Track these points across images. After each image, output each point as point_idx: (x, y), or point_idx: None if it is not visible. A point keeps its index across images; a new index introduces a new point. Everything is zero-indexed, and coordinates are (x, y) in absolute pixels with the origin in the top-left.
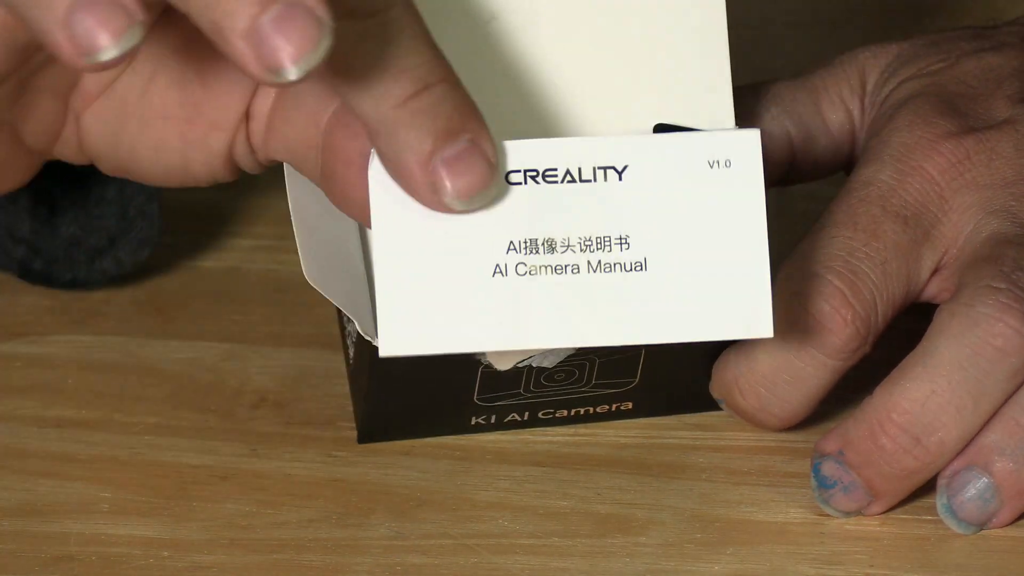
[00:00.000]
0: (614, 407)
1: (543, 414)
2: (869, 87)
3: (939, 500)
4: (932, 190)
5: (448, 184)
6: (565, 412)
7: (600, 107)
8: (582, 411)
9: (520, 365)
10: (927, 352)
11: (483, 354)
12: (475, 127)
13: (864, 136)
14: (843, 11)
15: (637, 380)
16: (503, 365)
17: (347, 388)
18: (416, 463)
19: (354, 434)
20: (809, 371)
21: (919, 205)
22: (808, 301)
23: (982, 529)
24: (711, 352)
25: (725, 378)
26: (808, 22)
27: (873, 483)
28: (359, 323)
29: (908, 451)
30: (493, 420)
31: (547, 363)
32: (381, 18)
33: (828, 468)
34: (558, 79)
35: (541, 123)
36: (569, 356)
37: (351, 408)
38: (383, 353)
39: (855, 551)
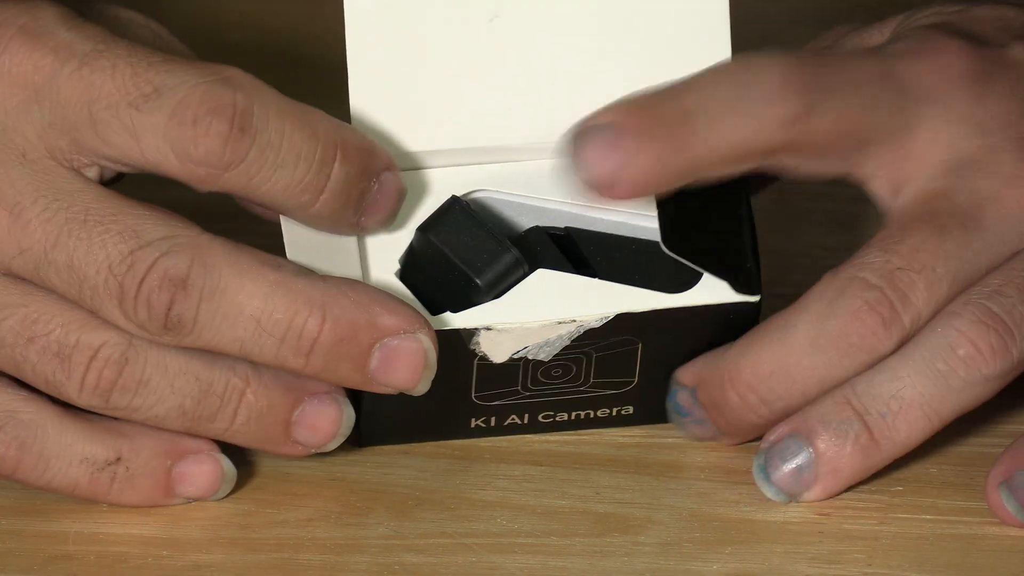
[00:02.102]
0: (615, 411)
1: (543, 417)
2: None
3: (756, 461)
4: (932, 80)
5: (369, 221)
6: (566, 416)
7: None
8: (583, 415)
9: (515, 356)
10: (787, 325)
11: (478, 342)
12: (378, 164)
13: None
14: (843, 11)
15: (636, 380)
16: (498, 356)
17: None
18: (414, 462)
19: (352, 434)
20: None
21: (921, 89)
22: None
23: (791, 501)
24: (714, 341)
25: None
26: (808, 21)
27: (719, 425)
28: None
29: (753, 409)
30: (493, 423)
31: (543, 355)
32: (241, 163)
33: (683, 398)
34: (559, 77)
35: (541, 120)
36: (565, 348)
37: None
38: None
39: (853, 550)
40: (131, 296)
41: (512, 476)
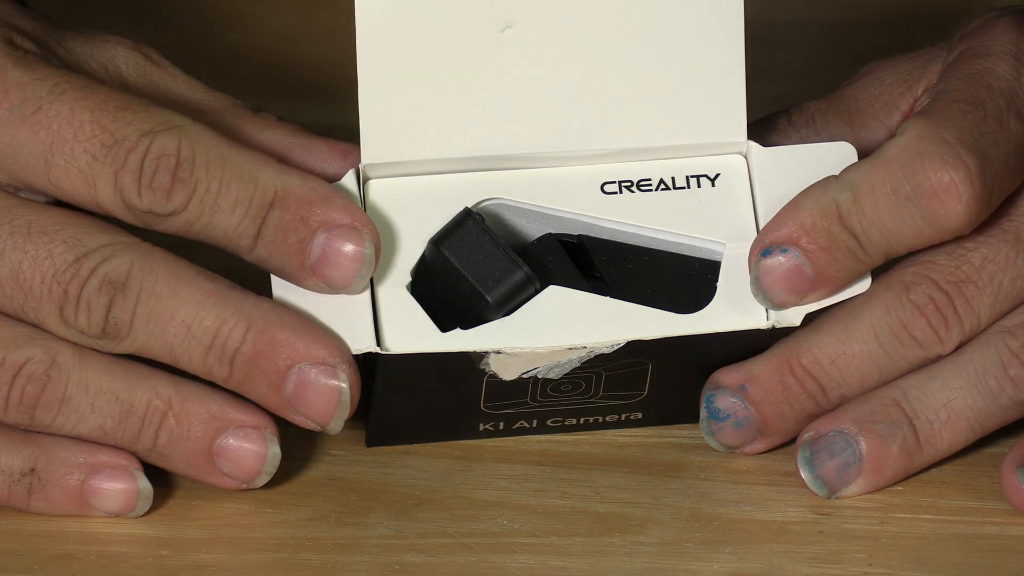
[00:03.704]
0: (623, 417)
1: (552, 422)
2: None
3: (801, 452)
4: None
5: (329, 273)
6: (574, 420)
7: (613, 118)
8: (591, 420)
9: (525, 376)
10: (852, 313)
11: (487, 363)
12: (323, 219)
13: (953, 49)
14: (843, 10)
15: (646, 393)
16: (508, 375)
17: None
18: (415, 462)
19: (353, 433)
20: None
21: None
22: (931, 164)
23: (831, 496)
24: (726, 360)
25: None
26: (808, 21)
27: (768, 421)
28: (352, 342)
29: (812, 396)
30: (502, 427)
31: (552, 375)
32: (182, 211)
33: (723, 401)
34: (572, 88)
35: (553, 132)
36: (575, 369)
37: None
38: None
39: (853, 550)
40: (72, 302)
41: (512, 476)
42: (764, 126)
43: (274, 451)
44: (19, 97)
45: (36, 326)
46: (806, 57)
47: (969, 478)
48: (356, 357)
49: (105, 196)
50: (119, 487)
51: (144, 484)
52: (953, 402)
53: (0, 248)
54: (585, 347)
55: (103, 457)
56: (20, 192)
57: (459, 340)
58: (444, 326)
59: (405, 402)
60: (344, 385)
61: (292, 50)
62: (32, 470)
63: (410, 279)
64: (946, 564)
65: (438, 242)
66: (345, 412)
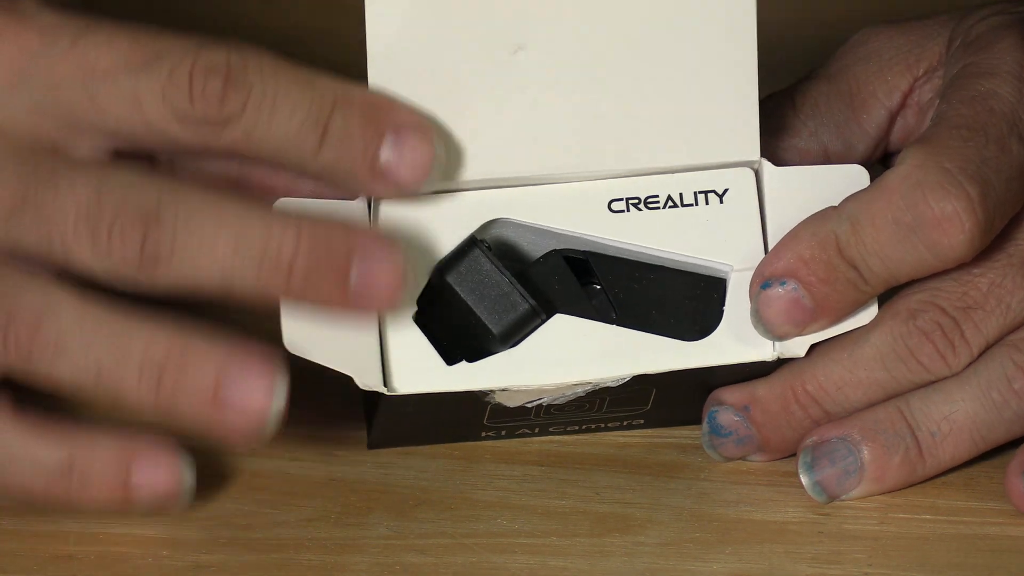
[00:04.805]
0: (625, 423)
1: (553, 428)
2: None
3: (802, 458)
4: None
5: (401, 174)
6: (576, 427)
7: (625, 140)
8: (593, 426)
9: (529, 405)
10: (858, 341)
11: (492, 396)
12: (390, 120)
13: (954, 60)
14: (843, 10)
15: (649, 407)
16: (512, 404)
17: (346, 388)
18: (415, 462)
19: (353, 434)
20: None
21: None
22: (933, 194)
23: (830, 501)
24: (730, 381)
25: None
26: (808, 22)
27: (769, 441)
28: (359, 377)
29: (816, 420)
30: (504, 434)
31: (557, 403)
32: (238, 117)
33: (726, 419)
34: (584, 110)
35: (565, 152)
36: (579, 397)
37: (350, 409)
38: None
39: (853, 550)
40: (104, 235)
41: (512, 476)
42: (771, 122)
43: (279, 399)
44: (53, 36)
45: (64, 266)
46: (806, 57)
47: (969, 478)
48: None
49: (154, 112)
50: (162, 476)
51: (188, 470)
52: (956, 414)
53: (24, 191)
54: (591, 382)
55: (143, 446)
56: (70, 142)
57: (464, 376)
58: (449, 357)
59: (409, 425)
60: (401, 261)
61: (295, 50)
62: (71, 465)
63: (416, 308)
64: (946, 564)
65: (443, 270)
66: (404, 282)
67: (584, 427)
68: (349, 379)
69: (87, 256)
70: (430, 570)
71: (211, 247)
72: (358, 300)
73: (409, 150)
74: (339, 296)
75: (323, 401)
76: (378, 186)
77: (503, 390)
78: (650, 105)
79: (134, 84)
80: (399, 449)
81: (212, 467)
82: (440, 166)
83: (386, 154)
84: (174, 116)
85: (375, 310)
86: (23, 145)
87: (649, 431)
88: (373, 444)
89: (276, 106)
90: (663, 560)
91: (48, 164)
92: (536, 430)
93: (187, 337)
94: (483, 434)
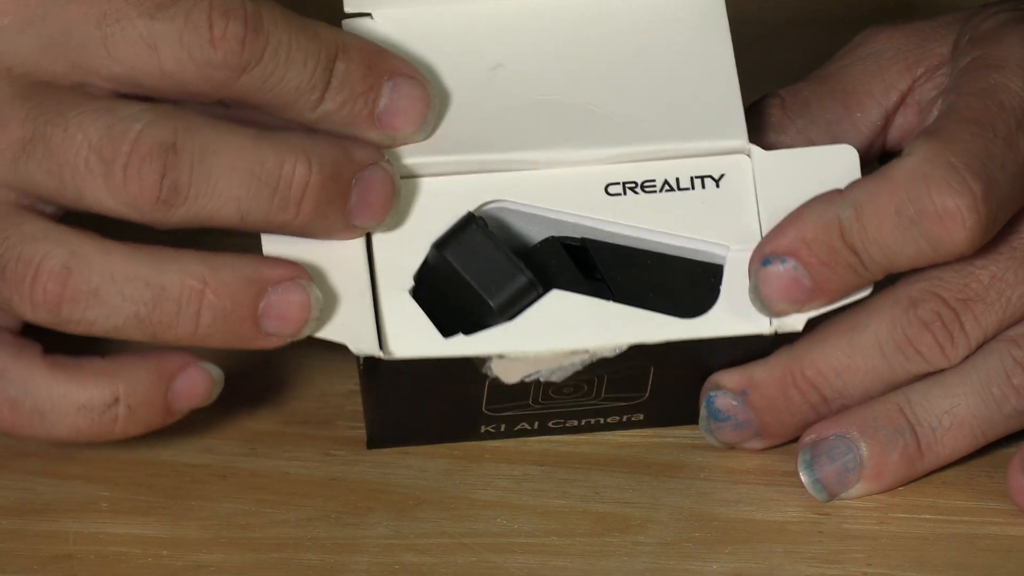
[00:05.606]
0: (624, 418)
1: (553, 423)
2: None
3: (801, 456)
4: None
5: (398, 121)
6: (576, 422)
7: (608, 153)
8: (592, 421)
9: (527, 379)
10: (857, 327)
11: (490, 367)
12: (387, 68)
13: (963, 54)
14: (843, 10)
15: (647, 395)
16: (510, 378)
17: (345, 387)
18: (414, 462)
19: (353, 433)
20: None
21: None
22: (937, 189)
23: (830, 499)
24: (728, 362)
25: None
26: (808, 21)
27: (768, 426)
28: (354, 344)
29: (814, 406)
30: (503, 428)
31: (555, 378)
32: (257, 63)
33: (724, 403)
34: (564, 124)
35: (548, 169)
36: (577, 372)
37: (349, 407)
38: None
39: (853, 550)
40: (119, 171)
41: (512, 476)
42: (759, 119)
43: (316, 295)
44: None
45: (75, 205)
46: (806, 57)
47: (969, 478)
48: (357, 360)
49: (170, 57)
50: (197, 385)
51: (216, 371)
52: (956, 409)
53: (33, 128)
54: (587, 351)
55: (174, 361)
56: (85, 87)
57: (462, 344)
58: (446, 330)
59: (407, 405)
60: (394, 173)
61: None
62: (116, 400)
63: (413, 283)
64: (946, 564)
65: (441, 246)
66: (398, 197)
67: (583, 421)
68: (350, 376)
69: (101, 192)
70: (430, 570)
71: (228, 178)
72: (352, 223)
73: (405, 97)
74: (340, 222)
75: (321, 401)
76: (374, 133)
77: (500, 356)
78: (629, 121)
79: (149, 27)
80: (399, 449)
81: (212, 467)
82: (435, 113)
83: (384, 101)
84: (191, 61)
85: (368, 227)
86: (29, 84)
87: (649, 431)
88: (372, 441)
89: (291, 54)
90: (663, 560)
91: (54, 100)
92: (536, 424)
93: (213, 262)
94: (483, 428)
